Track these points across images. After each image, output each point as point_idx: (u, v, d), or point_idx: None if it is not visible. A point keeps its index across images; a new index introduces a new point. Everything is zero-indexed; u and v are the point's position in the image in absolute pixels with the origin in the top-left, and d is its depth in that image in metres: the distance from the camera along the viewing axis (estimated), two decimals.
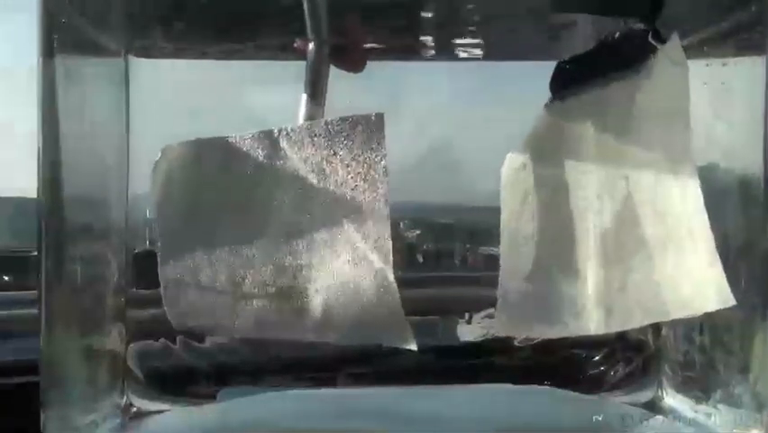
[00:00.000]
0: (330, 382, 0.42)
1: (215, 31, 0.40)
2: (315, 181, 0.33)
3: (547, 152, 0.35)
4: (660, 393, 0.42)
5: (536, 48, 0.42)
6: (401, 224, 0.42)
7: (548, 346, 0.39)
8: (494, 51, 0.43)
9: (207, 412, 0.40)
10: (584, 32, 0.38)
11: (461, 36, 0.41)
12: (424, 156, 0.41)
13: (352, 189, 0.32)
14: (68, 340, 0.35)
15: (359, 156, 0.32)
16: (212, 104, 0.40)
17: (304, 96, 0.35)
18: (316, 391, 0.42)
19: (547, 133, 0.35)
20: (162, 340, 0.40)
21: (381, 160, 0.32)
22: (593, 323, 0.35)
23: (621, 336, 0.42)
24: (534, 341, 0.40)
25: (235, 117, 0.39)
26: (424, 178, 0.41)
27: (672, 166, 0.33)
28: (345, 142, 0.32)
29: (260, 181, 0.34)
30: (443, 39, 0.41)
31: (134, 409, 0.39)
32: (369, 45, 0.38)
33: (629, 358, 0.43)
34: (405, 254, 0.42)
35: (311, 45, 0.34)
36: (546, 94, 0.35)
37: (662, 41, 0.33)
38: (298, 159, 0.33)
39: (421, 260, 0.43)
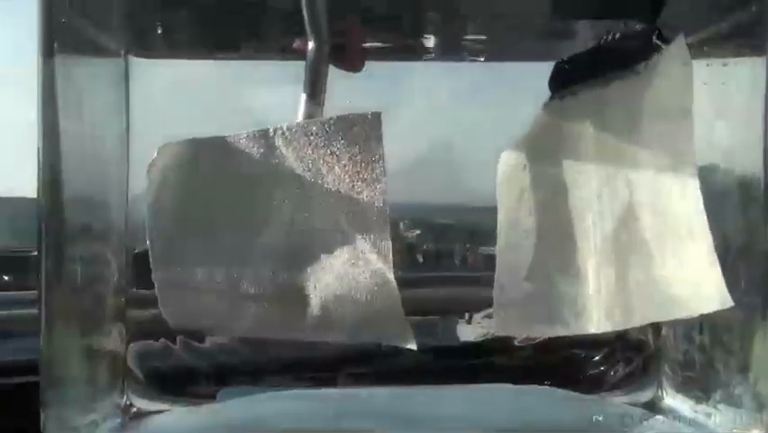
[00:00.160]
0: (330, 382, 0.42)
1: (215, 31, 0.40)
2: (312, 181, 0.33)
3: (545, 150, 0.35)
4: (660, 393, 0.42)
5: (536, 48, 0.42)
6: (401, 224, 0.42)
7: (548, 346, 0.40)
8: (494, 52, 0.43)
9: (207, 412, 0.39)
10: (584, 33, 0.38)
11: (461, 36, 0.41)
12: (424, 156, 0.41)
13: (351, 189, 0.32)
14: (68, 340, 0.35)
15: (356, 155, 0.32)
16: (212, 104, 0.40)
17: (303, 96, 0.35)
18: (316, 391, 0.42)
19: (545, 132, 0.35)
20: (162, 340, 0.40)
21: (379, 159, 0.32)
22: (593, 323, 0.35)
23: (621, 336, 0.42)
24: (535, 341, 0.40)
25: (235, 117, 0.39)
26: (424, 178, 0.41)
27: (674, 166, 0.33)
28: (342, 141, 0.32)
29: (257, 181, 0.33)
30: (443, 39, 0.41)
31: (134, 409, 0.39)
32: (368, 45, 0.38)
33: (629, 358, 0.43)
34: (405, 254, 0.42)
35: (310, 45, 0.34)
36: (546, 94, 0.35)
37: (665, 41, 0.33)
38: (295, 158, 0.33)
39: (421, 260, 0.43)
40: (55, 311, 0.34)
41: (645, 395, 0.42)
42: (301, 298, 0.33)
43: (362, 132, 0.32)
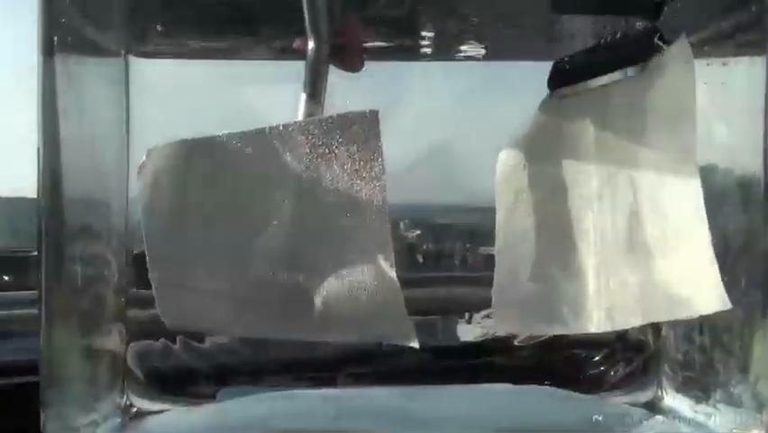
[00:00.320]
0: (330, 382, 0.42)
1: (216, 31, 0.40)
2: (311, 180, 0.33)
3: (544, 150, 0.35)
4: (660, 393, 0.42)
5: (537, 48, 0.42)
6: (401, 224, 0.42)
7: (548, 346, 0.40)
8: (494, 51, 0.43)
9: (207, 412, 0.40)
10: (585, 32, 0.38)
11: (461, 36, 0.41)
12: (424, 156, 0.41)
13: (350, 187, 0.32)
14: (68, 340, 0.35)
15: (354, 154, 0.32)
16: (212, 104, 0.40)
17: (303, 96, 0.35)
18: (316, 391, 0.42)
19: (544, 131, 0.35)
20: (162, 340, 0.40)
21: (378, 157, 0.32)
22: (593, 322, 0.35)
23: (621, 336, 0.42)
24: (535, 341, 0.40)
25: (235, 117, 0.39)
26: (424, 178, 0.41)
27: (675, 166, 0.33)
28: (340, 139, 0.32)
29: (254, 181, 0.33)
30: (442, 39, 0.41)
31: (134, 409, 0.39)
32: (368, 45, 0.38)
33: (629, 358, 0.43)
34: (405, 254, 0.42)
35: (310, 45, 0.34)
36: (546, 94, 0.35)
37: (666, 42, 0.33)
38: (293, 157, 0.33)
39: (421, 260, 0.43)
40: (55, 311, 0.34)
41: (645, 395, 0.42)
42: (301, 298, 0.33)
43: (361, 130, 0.32)
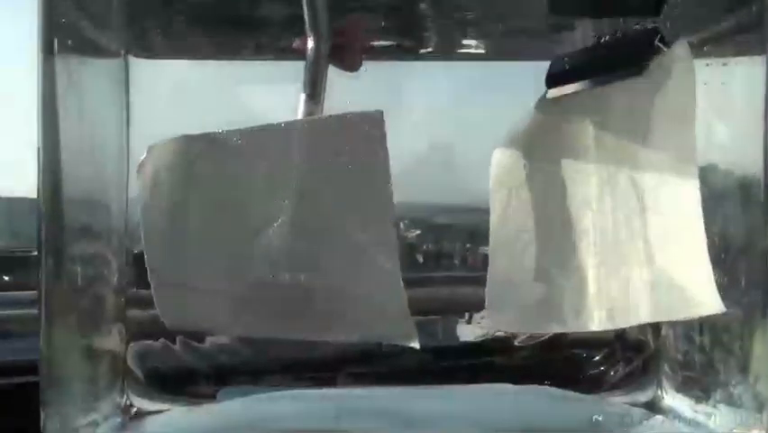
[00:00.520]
0: (330, 382, 0.42)
1: (215, 31, 0.40)
2: (313, 179, 0.32)
3: (540, 148, 0.35)
4: (660, 393, 0.42)
5: (536, 48, 0.42)
6: (401, 224, 0.42)
7: (548, 346, 0.40)
8: (494, 51, 0.43)
9: (207, 412, 0.40)
10: (584, 32, 0.38)
11: (461, 36, 0.41)
12: (424, 156, 0.41)
13: (354, 187, 0.32)
14: (68, 340, 0.35)
15: (359, 154, 0.32)
16: (212, 104, 0.40)
17: (303, 96, 0.34)
18: (316, 391, 0.42)
19: (540, 130, 0.35)
20: (162, 340, 0.40)
21: (384, 157, 0.31)
22: (594, 321, 0.35)
23: (621, 336, 0.42)
24: (535, 341, 0.40)
25: (235, 117, 0.38)
26: (424, 178, 0.41)
27: (675, 167, 0.33)
28: (343, 139, 0.32)
29: (255, 179, 0.33)
30: (442, 38, 0.41)
31: (134, 409, 0.39)
32: (368, 45, 0.38)
33: (629, 358, 0.43)
34: (405, 254, 0.42)
35: (310, 45, 0.34)
36: None
37: (666, 43, 0.33)
38: (295, 156, 0.32)
39: (421, 260, 0.43)
40: (55, 311, 0.34)
41: (645, 395, 0.42)
42: (302, 298, 0.33)
43: (365, 130, 0.32)
